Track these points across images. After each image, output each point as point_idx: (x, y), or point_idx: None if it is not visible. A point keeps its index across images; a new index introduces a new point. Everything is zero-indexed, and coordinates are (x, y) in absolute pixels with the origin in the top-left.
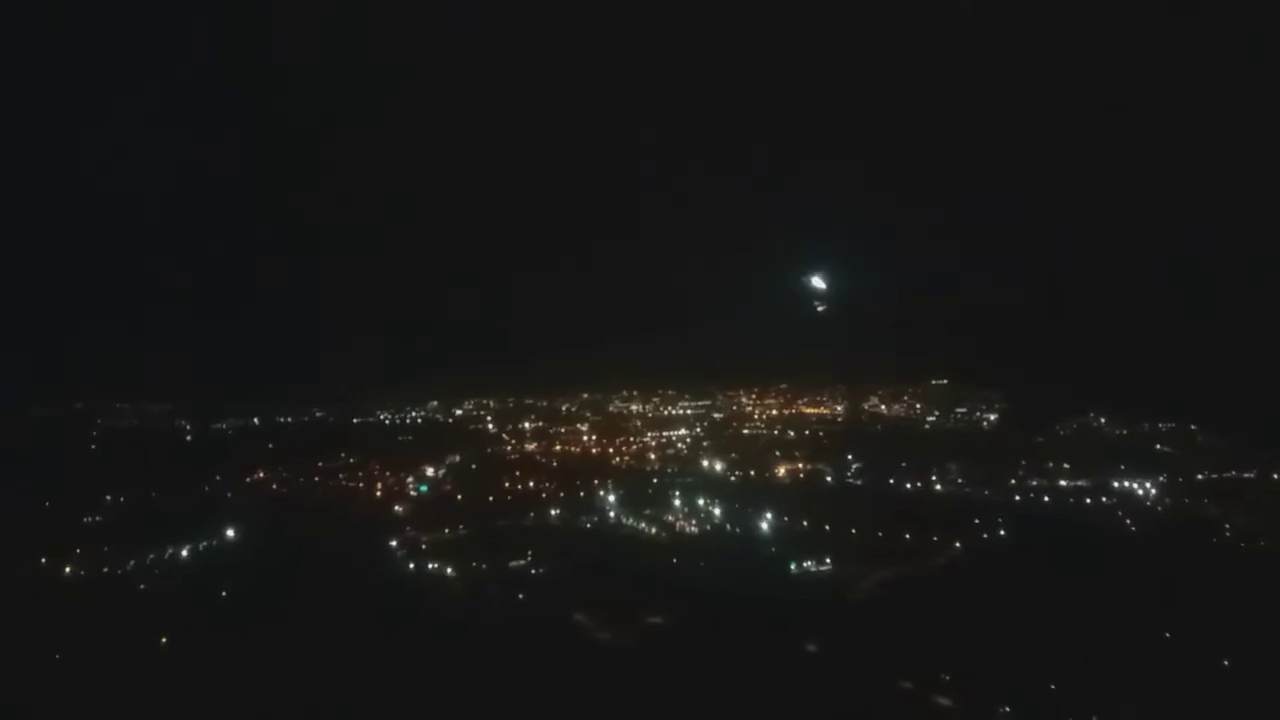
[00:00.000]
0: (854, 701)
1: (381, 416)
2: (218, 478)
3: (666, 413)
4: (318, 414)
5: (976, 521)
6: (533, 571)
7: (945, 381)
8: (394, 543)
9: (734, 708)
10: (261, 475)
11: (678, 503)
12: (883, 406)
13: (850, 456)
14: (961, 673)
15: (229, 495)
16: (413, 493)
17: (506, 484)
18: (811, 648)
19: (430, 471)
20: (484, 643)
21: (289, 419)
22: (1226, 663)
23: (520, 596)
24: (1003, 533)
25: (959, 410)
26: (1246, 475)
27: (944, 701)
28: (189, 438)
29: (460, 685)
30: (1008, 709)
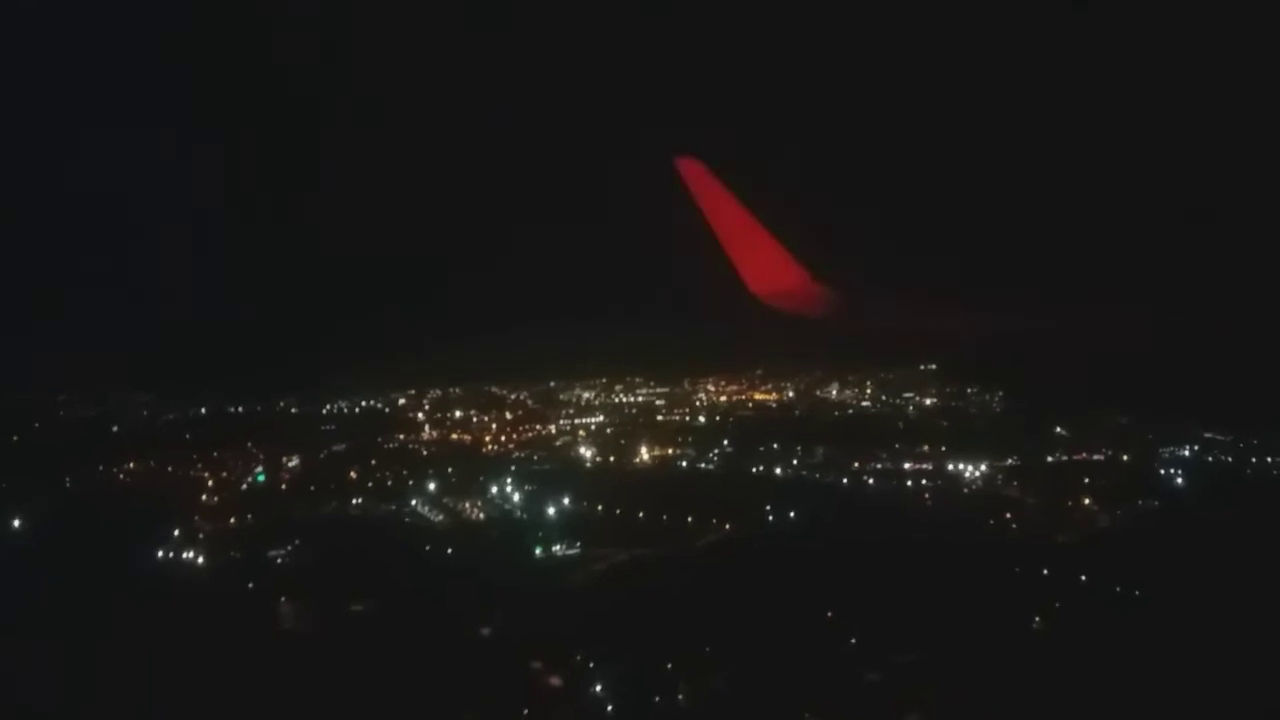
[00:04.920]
0: (477, 680)
1: (328, 407)
2: (100, 467)
3: (615, 400)
4: (281, 404)
5: (768, 506)
6: (279, 562)
7: (933, 367)
8: (176, 531)
9: (367, 692)
10: (132, 465)
11: (494, 489)
12: (833, 392)
13: (726, 441)
14: (599, 654)
15: (67, 484)
16: (244, 485)
17: (352, 473)
18: (484, 631)
19: (295, 461)
20: (174, 626)
21: (240, 409)
22: (853, 640)
23: (249, 585)
24: (793, 515)
25: (906, 394)
26: (1095, 458)
27: (554, 681)
28: (115, 428)
29: (127, 666)
30: (599, 687)
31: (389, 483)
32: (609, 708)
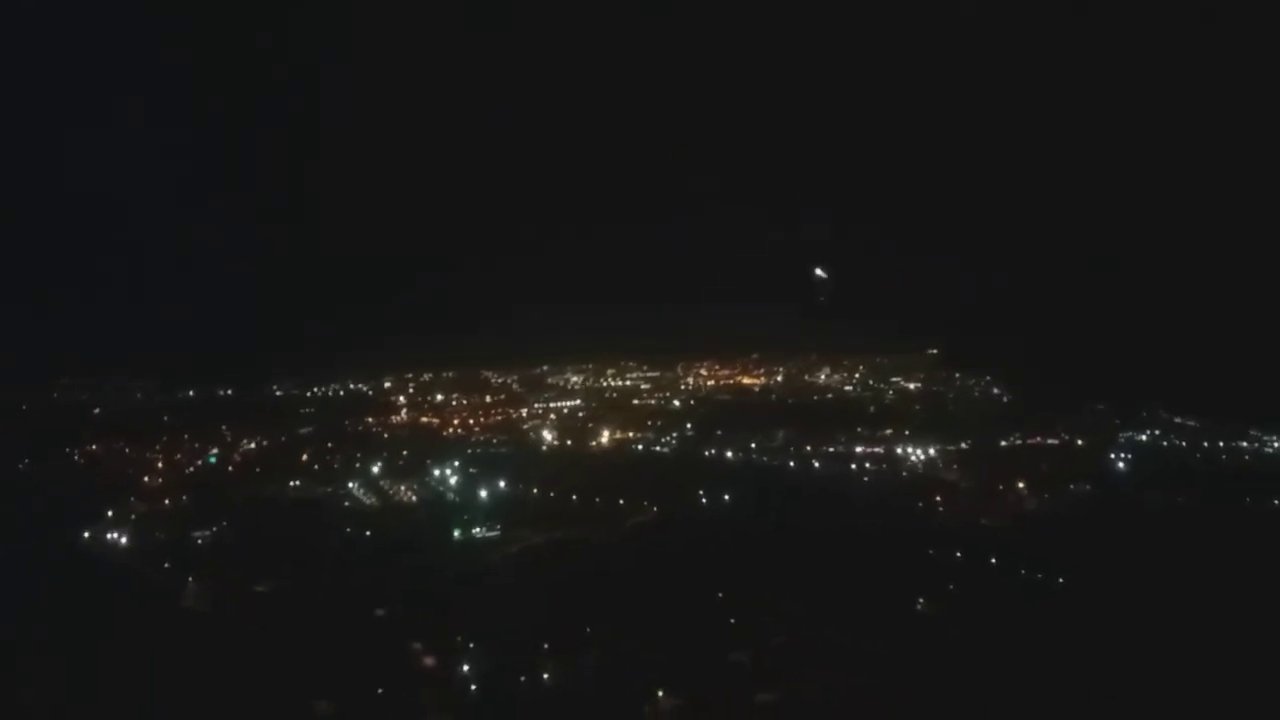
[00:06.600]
0: (356, 659)
1: (314, 390)
2: (67, 449)
3: (601, 384)
4: (271, 388)
5: (703, 489)
6: (200, 543)
7: (933, 352)
8: (111, 512)
9: (245, 671)
10: (94, 447)
11: (436, 472)
12: (821, 376)
13: (689, 425)
14: (479, 635)
15: (22, 465)
16: (191, 467)
17: (304, 456)
18: (379, 612)
19: (253, 443)
20: (79, 604)
21: (229, 393)
22: (732, 620)
23: (165, 565)
24: (726, 498)
25: (893, 379)
26: (1050, 442)
27: (428, 661)
28: (97, 411)
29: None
30: (466, 668)
31: (335, 465)
32: (473, 687)
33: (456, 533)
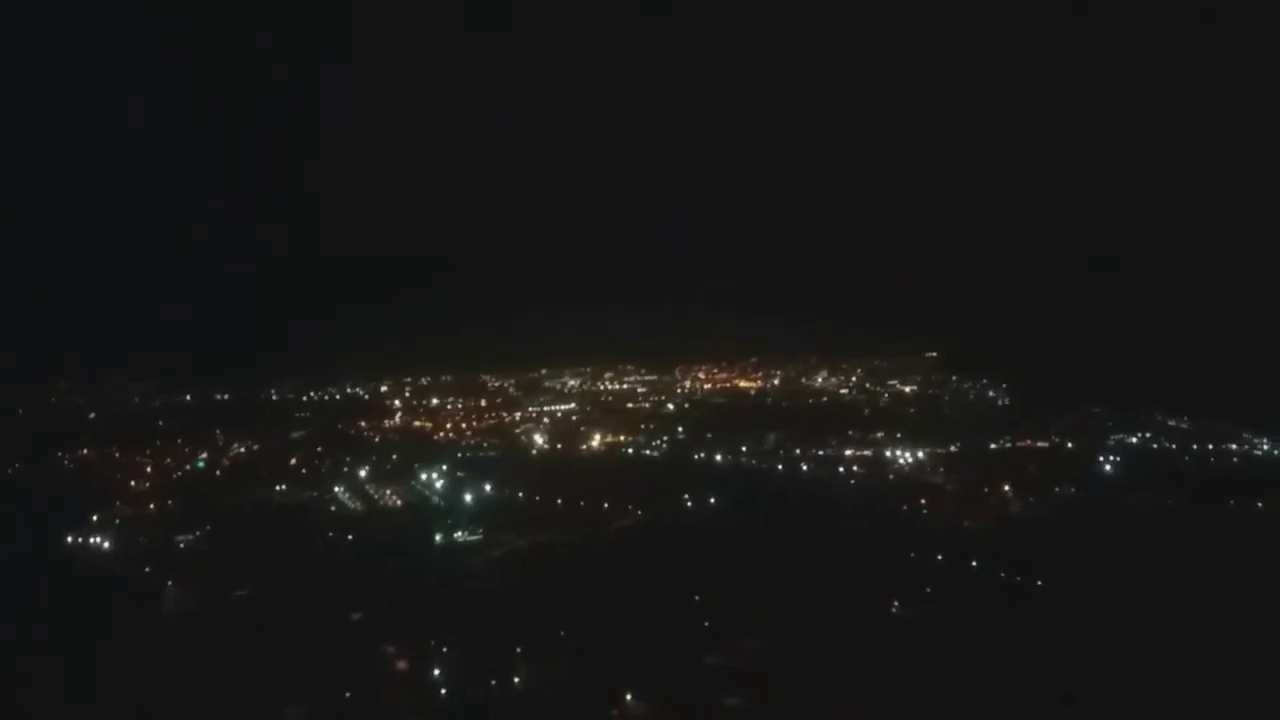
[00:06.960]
0: (330, 662)
1: (310, 394)
2: (59, 454)
3: (598, 387)
4: (269, 392)
5: (688, 493)
6: (182, 547)
7: (933, 355)
8: (95, 516)
9: (224, 675)
10: (85, 451)
11: (423, 476)
12: (819, 379)
13: (680, 428)
14: (453, 639)
15: (11, 470)
16: (179, 472)
17: (293, 460)
18: (356, 616)
19: (244, 448)
20: (58, 606)
21: (226, 397)
22: (706, 624)
23: (147, 569)
24: (712, 501)
25: (890, 382)
26: (1040, 445)
27: (402, 665)
28: (92, 415)
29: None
30: (438, 672)
31: (323, 470)
32: (443, 691)
33: (439, 537)
